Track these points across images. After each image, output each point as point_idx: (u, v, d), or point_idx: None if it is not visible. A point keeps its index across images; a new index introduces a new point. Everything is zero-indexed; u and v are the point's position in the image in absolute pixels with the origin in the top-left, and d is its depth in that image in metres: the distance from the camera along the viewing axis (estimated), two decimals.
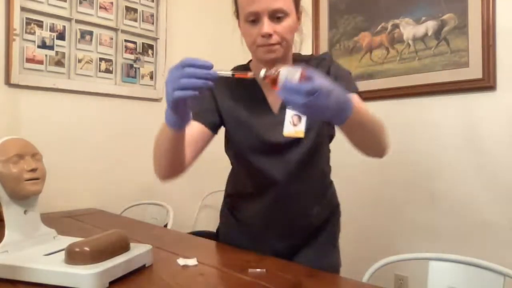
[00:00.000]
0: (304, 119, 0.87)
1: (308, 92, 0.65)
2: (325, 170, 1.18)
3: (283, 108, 1.02)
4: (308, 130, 0.91)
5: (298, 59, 1.08)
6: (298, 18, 1.01)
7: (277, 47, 0.95)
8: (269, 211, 1.11)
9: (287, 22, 0.94)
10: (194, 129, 1.02)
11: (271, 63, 0.90)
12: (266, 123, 1.05)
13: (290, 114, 0.89)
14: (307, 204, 1.12)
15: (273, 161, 1.05)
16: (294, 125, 0.88)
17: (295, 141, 1.02)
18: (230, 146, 1.14)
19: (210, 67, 0.76)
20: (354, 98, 0.90)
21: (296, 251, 1.14)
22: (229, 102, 1.08)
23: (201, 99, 1.06)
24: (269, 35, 0.92)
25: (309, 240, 1.15)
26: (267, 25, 0.91)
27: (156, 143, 0.95)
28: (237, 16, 1.02)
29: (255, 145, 1.06)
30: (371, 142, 0.90)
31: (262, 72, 0.75)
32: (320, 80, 0.66)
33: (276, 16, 0.92)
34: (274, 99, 1.07)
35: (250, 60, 1.14)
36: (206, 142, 1.07)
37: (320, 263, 1.06)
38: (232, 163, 1.20)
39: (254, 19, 0.93)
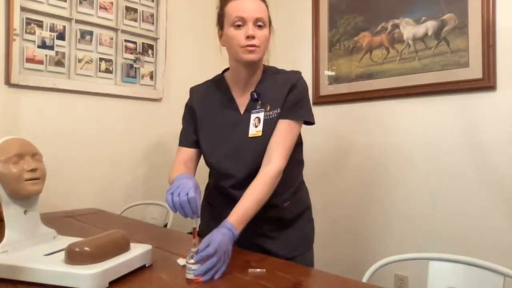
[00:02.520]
0: (262, 120, 1.16)
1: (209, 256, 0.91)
2: (286, 169, 1.20)
3: (247, 110, 1.20)
4: (265, 130, 1.15)
5: (268, 70, 1.25)
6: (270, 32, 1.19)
7: (257, 49, 1.14)
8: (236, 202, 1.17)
9: (265, 32, 1.16)
10: (184, 154, 1.26)
11: (250, 66, 1.18)
12: (231, 122, 1.21)
13: (253, 117, 1.18)
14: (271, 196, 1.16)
15: (232, 159, 1.18)
16: (256, 126, 1.17)
17: (254, 140, 1.17)
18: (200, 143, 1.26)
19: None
20: (285, 126, 1.15)
21: (267, 242, 1.21)
22: (203, 104, 1.26)
23: (184, 118, 1.30)
24: (253, 37, 1.12)
25: (279, 234, 1.23)
26: (251, 28, 1.12)
27: (170, 176, 1.17)
28: (221, 27, 1.20)
29: (219, 144, 1.21)
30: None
31: (194, 249, 0.91)
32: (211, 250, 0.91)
33: (258, 24, 1.13)
34: (241, 102, 1.23)
35: (225, 70, 1.29)
36: (196, 159, 1.28)
37: (293, 259, 1.17)
38: None
39: (241, 24, 1.12)
